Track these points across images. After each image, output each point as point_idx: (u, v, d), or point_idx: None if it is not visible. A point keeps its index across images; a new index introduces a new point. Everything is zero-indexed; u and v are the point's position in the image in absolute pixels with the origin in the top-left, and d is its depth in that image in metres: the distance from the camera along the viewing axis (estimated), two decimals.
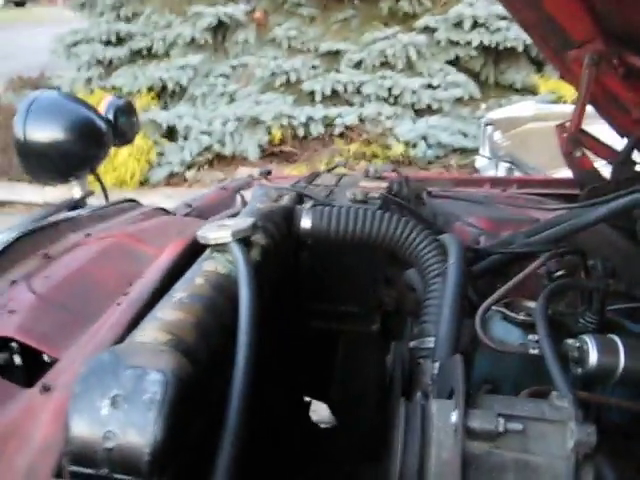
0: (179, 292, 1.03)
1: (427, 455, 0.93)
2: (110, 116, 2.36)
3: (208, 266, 1.14)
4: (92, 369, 0.79)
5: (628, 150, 2.43)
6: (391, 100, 8.42)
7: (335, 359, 1.97)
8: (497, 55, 9.09)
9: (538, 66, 8.97)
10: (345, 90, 8.51)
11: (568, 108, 7.01)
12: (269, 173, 2.45)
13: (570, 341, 1.17)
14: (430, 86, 8.50)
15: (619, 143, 2.47)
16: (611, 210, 1.98)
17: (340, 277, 1.87)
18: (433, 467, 0.91)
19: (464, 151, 7.93)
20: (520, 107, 6.84)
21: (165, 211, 1.94)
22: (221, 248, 1.19)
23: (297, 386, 2.00)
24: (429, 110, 8.40)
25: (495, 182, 2.76)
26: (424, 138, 7.94)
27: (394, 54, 8.54)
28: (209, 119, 8.53)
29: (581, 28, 2.19)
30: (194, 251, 1.27)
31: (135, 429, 0.76)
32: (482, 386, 1.25)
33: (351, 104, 8.52)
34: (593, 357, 1.13)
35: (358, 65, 8.75)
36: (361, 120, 8.21)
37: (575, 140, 2.43)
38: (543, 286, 1.56)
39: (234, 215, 1.62)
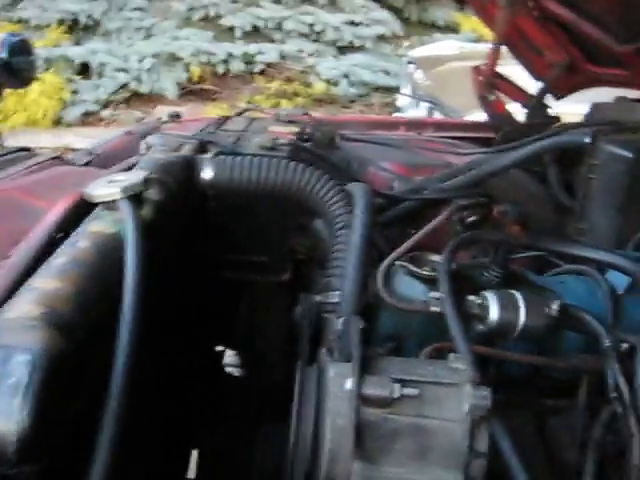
0: (60, 257, 0.96)
1: (322, 422, 0.90)
2: (3, 55, 2.20)
3: (94, 227, 1.06)
4: None
5: (541, 94, 2.44)
6: (313, 37, 8.27)
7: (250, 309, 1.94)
8: None
9: (460, 4, 8.92)
10: (266, 26, 8.30)
11: (487, 47, 7.04)
12: (178, 116, 2.34)
13: (471, 298, 1.15)
14: (352, 23, 8.38)
15: (533, 86, 2.47)
16: (523, 155, 1.99)
17: (249, 227, 1.81)
18: (328, 434, 0.89)
19: (386, 89, 7.88)
20: (443, 45, 6.81)
21: (63, 160, 1.83)
22: (110, 206, 1.12)
23: (209, 337, 1.96)
24: (351, 47, 8.29)
25: (411, 125, 2.72)
26: (346, 76, 7.85)
27: None
28: (124, 55, 8.19)
29: None
30: (86, 208, 1.18)
31: (0, 417, 0.69)
32: (385, 344, 1.22)
33: (272, 41, 8.32)
34: (494, 313, 1.12)
35: (279, 0, 8.51)
36: (282, 57, 8.04)
37: (489, 83, 2.42)
38: (455, 233, 1.55)
39: (133, 166, 1.53)
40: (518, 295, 1.14)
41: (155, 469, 1.43)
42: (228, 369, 2.18)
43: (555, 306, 1.13)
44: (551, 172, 2.16)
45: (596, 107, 2.22)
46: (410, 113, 5.89)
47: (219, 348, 2.14)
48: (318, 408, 0.91)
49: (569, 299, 1.21)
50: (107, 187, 1.12)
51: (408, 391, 0.89)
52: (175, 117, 2.32)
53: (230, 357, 2.16)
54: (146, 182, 1.17)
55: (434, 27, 8.91)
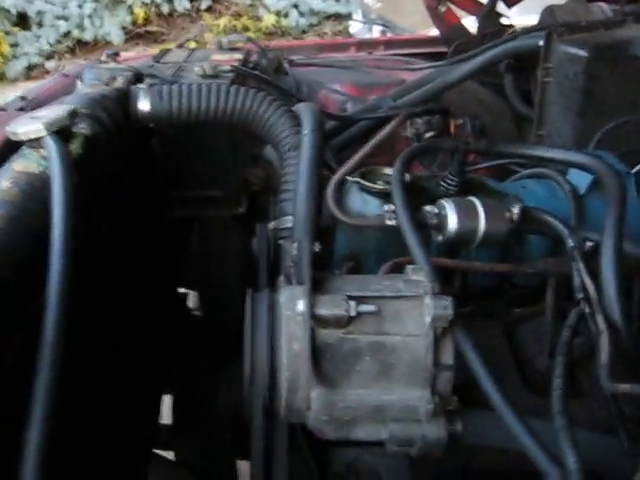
0: None
1: (278, 348, 0.85)
2: None
3: (18, 166, 0.98)
4: None
5: (493, 2, 2.36)
6: None
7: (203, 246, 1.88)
8: None
9: None
10: None
11: None
12: (117, 55, 2.22)
13: (428, 207, 1.10)
14: None
15: None
16: (477, 65, 1.93)
17: (198, 160, 1.73)
18: (285, 360, 0.84)
19: (338, 17, 7.69)
20: None
21: None
22: (35, 144, 1.03)
23: (166, 280, 1.90)
24: None
25: (361, 45, 2.65)
26: (295, 6, 7.63)
27: None
28: (63, 2, 7.83)
29: None
30: (13, 149, 1.10)
31: None
32: (344, 264, 1.17)
33: None
34: (452, 222, 1.07)
35: None
36: None
37: None
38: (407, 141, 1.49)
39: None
40: (476, 201, 1.09)
41: (124, 416, 1.39)
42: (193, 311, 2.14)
43: (516, 210, 1.08)
44: (507, 81, 2.11)
45: (549, 10, 2.15)
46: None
47: (182, 290, 2.09)
48: (272, 335, 0.86)
49: (530, 202, 1.16)
50: (30, 124, 1.03)
51: (365, 308, 0.84)
52: (114, 55, 2.19)
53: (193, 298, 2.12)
54: (72, 116, 1.08)
55: None
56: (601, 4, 2.10)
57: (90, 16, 7.74)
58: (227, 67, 1.72)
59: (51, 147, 0.98)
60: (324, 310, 0.83)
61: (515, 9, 2.56)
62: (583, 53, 1.65)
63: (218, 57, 1.89)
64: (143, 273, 1.56)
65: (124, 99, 1.36)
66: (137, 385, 1.50)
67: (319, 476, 1.06)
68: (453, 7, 2.45)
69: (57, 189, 0.90)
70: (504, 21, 2.42)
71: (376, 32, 5.35)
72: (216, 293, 1.78)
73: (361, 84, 2.14)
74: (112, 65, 1.65)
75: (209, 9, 7.91)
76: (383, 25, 4.88)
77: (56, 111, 1.07)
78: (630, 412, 0.91)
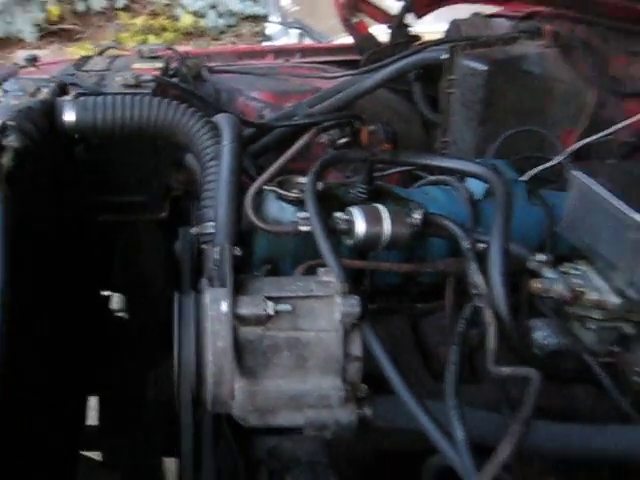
0: None
1: (203, 346, 0.94)
2: None
3: None
4: None
5: (402, 14, 2.49)
6: None
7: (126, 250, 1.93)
8: None
9: None
10: None
11: None
12: (35, 59, 2.24)
13: (338, 214, 1.20)
14: None
15: (394, 6, 2.52)
16: (387, 75, 2.05)
17: (121, 166, 1.78)
18: (210, 356, 0.93)
19: (255, 18, 7.74)
20: None
21: None
22: None
23: (93, 283, 1.94)
24: None
25: (278, 52, 2.72)
26: (213, 7, 7.62)
27: None
28: None
29: None
30: None
31: None
32: (262, 267, 1.26)
33: None
34: (360, 227, 1.18)
35: None
36: None
37: (352, 6, 2.45)
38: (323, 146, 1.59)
39: None
40: (382, 208, 1.20)
41: (51, 418, 1.43)
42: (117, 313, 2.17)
43: (417, 215, 1.20)
44: (416, 90, 2.24)
45: (454, 24, 2.31)
46: (281, 41, 5.83)
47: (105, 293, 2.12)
48: (198, 333, 0.94)
49: (432, 208, 1.28)
50: None
51: (281, 307, 0.93)
52: (32, 60, 2.21)
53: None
54: (2, 130, 1.14)
55: None
56: (500, 19, 2.27)
57: (1, 12, 7.52)
58: (149, 77, 1.78)
59: None
60: (245, 310, 0.92)
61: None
62: (483, 67, 1.79)
63: (139, 65, 1.94)
64: (68, 277, 1.60)
65: (50, 111, 1.41)
66: (62, 387, 1.55)
67: (244, 463, 1.15)
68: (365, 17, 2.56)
69: None
70: (412, 31, 2.56)
71: (293, 35, 5.43)
72: (142, 294, 1.83)
73: (278, 91, 2.21)
74: (35, 75, 1.68)
75: (125, 8, 7.80)
76: (300, 28, 4.96)
77: None
78: (516, 393, 1.04)
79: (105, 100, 1.45)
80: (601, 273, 1.10)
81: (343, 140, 1.81)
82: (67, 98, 1.44)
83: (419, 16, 2.61)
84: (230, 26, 7.77)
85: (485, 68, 1.79)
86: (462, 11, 2.43)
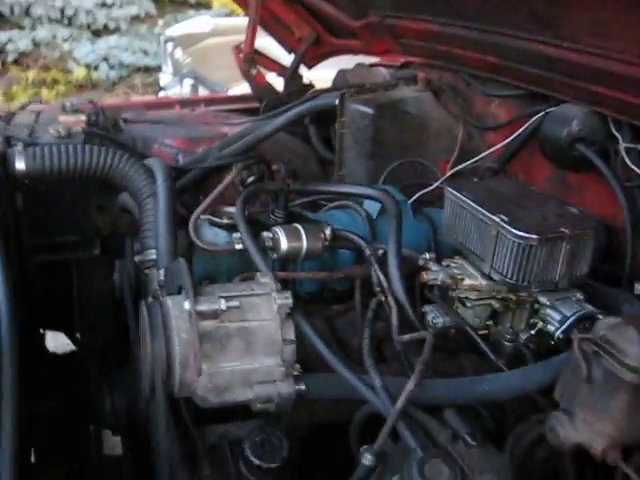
0: None
1: (171, 340, 1.17)
2: None
3: None
4: None
5: (295, 65, 2.80)
6: (65, 21, 8.03)
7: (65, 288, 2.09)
8: None
9: None
10: (12, 12, 7.89)
11: (242, 21, 7.37)
12: None
13: (265, 234, 1.47)
14: (105, 5, 8.25)
15: (288, 58, 2.82)
16: (286, 120, 2.34)
17: (56, 210, 1.97)
18: (177, 348, 1.16)
19: (147, 69, 7.94)
20: (197, 22, 7.02)
21: None
22: None
23: (35, 320, 2.09)
24: (106, 30, 8.19)
25: (184, 103, 2.97)
26: (105, 59, 7.78)
27: None
28: None
29: None
30: None
31: None
32: (202, 282, 1.50)
33: (21, 27, 7.95)
34: (283, 244, 1.45)
35: None
36: (35, 45, 7.75)
37: (250, 60, 2.73)
38: (238, 192, 1.84)
39: None
40: (299, 227, 1.48)
41: None
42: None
43: (328, 231, 1.48)
44: (312, 132, 2.54)
45: (341, 73, 2.63)
46: (174, 90, 6.07)
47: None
48: (166, 330, 1.17)
49: (337, 227, 1.57)
50: None
51: (231, 303, 1.18)
52: None
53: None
54: None
55: (186, 4, 9.08)
56: (380, 68, 2.61)
57: None
58: (79, 128, 2.00)
59: None
60: (203, 307, 1.16)
61: None
62: (369, 110, 2.11)
63: (65, 119, 2.15)
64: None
65: (2, 160, 1.61)
66: None
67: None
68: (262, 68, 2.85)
69: None
70: (305, 79, 2.87)
71: (186, 85, 5.68)
72: (88, 322, 2.00)
73: (189, 138, 2.43)
74: None
75: (16, 62, 7.81)
76: (194, 78, 5.22)
77: None
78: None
79: (51, 149, 1.65)
80: (473, 264, 1.41)
81: (251, 179, 2.07)
82: (18, 148, 1.64)
83: (309, 67, 2.94)
84: (122, 78, 7.93)
85: (371, 111, 2.11)
86: (346, 60, 2.77)
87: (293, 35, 2.75)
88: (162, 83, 6.64)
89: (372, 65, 2.66)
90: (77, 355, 2.12)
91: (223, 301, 1.17)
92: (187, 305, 1.15)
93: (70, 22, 8.06)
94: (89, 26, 8.11)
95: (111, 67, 7.81)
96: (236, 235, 1.45)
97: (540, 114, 1.83)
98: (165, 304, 1.20)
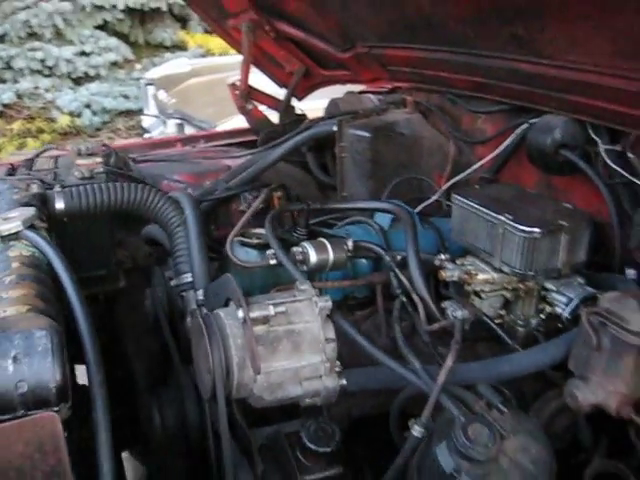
0: (5, 276, 1.26)
1: (228, 347, 1.31)
2: None
3: (12, 253, 1.36)
4: None
5: (288, 99, 2.98)
6: (46, 72, 8.21)
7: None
8: (143, 15, 9.32)
9: (183, 23, 9.42)
10: None
11: (219, 61, 7.58)
12: None
13: (295, 249, 1.62)
14: (84, 53, 8.46)
15: (281, 93, 3.00)
16: (287, 149, 2.51)
17: (83, 247, 2.11)
18: (234, 353, 1.30)
19: (129, 113, 8.12)
20: (175, 64, 7.22)
21: None
22: (13, 237, 1.42)
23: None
24: (87, 77, 8.38)
25: (185, 140, 3.13)
26: (88, 106, 7.96)
27: (40, 24, 8.29)
28: None
29: (234, 0, 2.63)
30: None
31: (40, 374, 1.02)
32: None
33: (4, 80, 8.11)
34: (312, 257, 1.60)
35: (2, 38, 8.31)
36: (19, 96, 7.91)
37: (245, 95, 2.91)
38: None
39: None
40: (325, 241, 1.64)
41: None
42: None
43: (350, 243, 1.64)
44: (310, 159, 2.72)
45: (333, 102, 2.81)
46: (158, 131, 6.23)
47: None
48: (223, 338, 1.31)
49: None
50: (7, 223, 1.42)
51: (279, 309, 1.33)
52: None
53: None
54: (35, 215, 1.48)
55: (162, 47, 9.32)
56: (369, 95, 2.79)
57: None
58: (100, 169, 2.15)
59: (35, 237, 1.38)
60: (255, 313, 1.31)
61: None
62: (366, 134, 2.28)
63: (82, 162, 2.29)
64: None
65: (44, 200, 1.75)
66: None
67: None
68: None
69: (56, 262, 1.31)
70: (298, 110, 3.05)
71: (171, 125, 5.84)
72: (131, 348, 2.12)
73: (195, 173, 2.60)
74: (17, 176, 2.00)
75: (0, 114, 7.96)
76: (181, 119, 5.39)
77: (25, 212, 1.47)
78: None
79: (86, 189, 1.80)
80: (483, 260, 1.58)
81: (261, 205, 2.23)
82: (56, 189, 1.78)
83: (300, 99, 3.12)
84: (105, 122, 8.10)
85: (368, 135, 2.28)
86: (330, 90, 2.96)
87: (284, 70, 2.93)
88: (145, 125, 6.80)
89: (361, 92, 2.85)
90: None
91: (272, 307, 1.32)
92: (241, 313, 1.30)
93: (51, 72, 8.24)
94: (70, 75, 8.29)
95: (94, 113, 7.98)
96: (269, 252, 1.60)
97: (524, 126, 2.01)
98: (219, 315, 1.35)
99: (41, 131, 7.86)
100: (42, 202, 1.74)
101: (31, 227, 1.44)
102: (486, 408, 1.23)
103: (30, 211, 1.47)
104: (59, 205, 1.77)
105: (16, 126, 7.80)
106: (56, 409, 1.04)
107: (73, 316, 1.25)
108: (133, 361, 1.90)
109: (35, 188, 1.80)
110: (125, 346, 2.05)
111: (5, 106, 7.95)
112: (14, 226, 1.41)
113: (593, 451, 1.42)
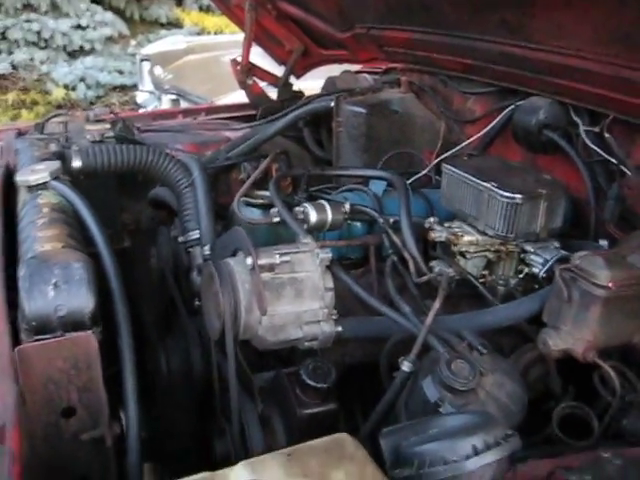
0: (37, 220, 1.39)
1: (237, 291, 1.44)
2: None
3: (42, 200, 1.49)
4: (31, 270, 1.16)
5: (286, 75, 3.10)
6: (42, 44, 8.26)
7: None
8: None
9: (178, 0, 9.46)
10: None
11: (214, 39, 7.66)
12: None
13: (296, 208, 1.76)
14: (79, 27, 8.50)
15: (279, 70, 3.12)
16: (286, 123, 2.64)
17: (93, 206, 2.23)
18: (242, 297, 1.43)
19: (123, 88, 8.19)
20: (170, 41, 7.28)
21: None
22: (41, 187, 1.54)
23: None
24: (82, 51, 8.43)
25: (186, 112, 3.24)
26: (82, 79, 8.01)
27: None
28: None
29: None
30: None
31: (76, 299, 1.16)
32: None
33: None
34: (312, 216, 1.74)
35: None
36: (14, 67, 7.95)
37: (246, 71, 3.02)
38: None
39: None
40: (324, 202, 1.78)
41: None
42: None
43: (347, 206, 1.78)
44: (306, 134, 2.84)
45: (330, 80, 2.94)
46: (152, 107, 6.31)
47: None
48: (232, 282, 1.44)
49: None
50: (36, 174, 1.54)
51: (284, 258, 1.47)
52: None
53: None
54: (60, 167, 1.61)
55: (157, 24, 9.36)
56: (365, 75, 2.92)
57: None
58: (110, 133, 2.28)
59: (61, 186, 1.51)
60: (262, 261, 1.44)
61: None
62: (362, 110, 2.42)
63: (91, 127, 2.41)
64: None
65: (62, 158, 1.87)
66: None
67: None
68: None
69: (83, 211, 1.44)
70: (295, 88, 3.17)
71: (165, 101, 5.93)
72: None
73: (197, 143, 2.71)
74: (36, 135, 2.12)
75: None
76: (177, 94, 5.47)
77: (50, 165, 1.59)
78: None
79: (101, 149, 1.92)
80: (469, 224, 1.73)
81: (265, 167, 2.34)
82: (74, 148, 1.90)
83: (298, 77, 3.25)
84: (99, 97, 8.16)
85: (364, 111, 2.42)
86: (325, 70, 3.08)
87: (283, 48, 3.05)
88: (139, 100, 6.87)
89: (357, 72, 2.98)
90: None
91: (278, 256, 1.46)
92: (250, 260, 1.43)
93: (47, 44, 8.28)
94: (65, 47, 8.33)
95: (88, 87, 8.03)
96: (273, 210, 1.74)
97: (511, 107, 2.14)
98: (228, 263, 1.48)
99: (35, 103, 7.90)
100: (61, 160, 1.86)
101: (57, 179, 1.56)
102: (468, 349, 1.37)
103: (56, 164, 1.60)
104: (76, 163, 1.88)
105: (11, 97, 7.83)
106: (90, 332, 1.18)
107: (99, 257, 1.38)
108: (141, 314, 2.03)
109: (54, 147, 1.92)
110: (132, 301, 2.18)
111: (1, 77, 7.98)
112: (42, 177, 1.53)
113: (562, 398, 1.57)
